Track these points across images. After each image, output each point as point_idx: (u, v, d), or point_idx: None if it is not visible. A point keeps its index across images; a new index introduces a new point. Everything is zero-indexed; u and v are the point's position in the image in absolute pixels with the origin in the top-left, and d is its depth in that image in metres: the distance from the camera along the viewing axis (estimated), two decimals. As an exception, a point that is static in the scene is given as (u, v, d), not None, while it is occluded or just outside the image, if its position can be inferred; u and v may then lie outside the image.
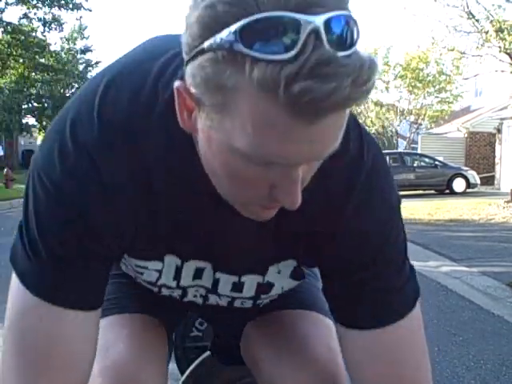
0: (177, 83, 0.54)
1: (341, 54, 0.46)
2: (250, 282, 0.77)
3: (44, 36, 19.39)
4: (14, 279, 0.68)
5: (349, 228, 0.70)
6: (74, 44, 32.46)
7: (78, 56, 33.10)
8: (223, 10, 0.47)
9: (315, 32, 0.45)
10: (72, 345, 0.66)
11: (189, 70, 0.51)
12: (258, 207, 0.60)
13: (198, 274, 0.76)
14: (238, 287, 0.78)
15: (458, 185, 15.24)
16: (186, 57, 0.52)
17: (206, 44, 0.48)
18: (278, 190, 0.55)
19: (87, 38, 34.44)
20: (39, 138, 44.22)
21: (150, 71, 0.62)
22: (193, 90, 0.52)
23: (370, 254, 0.72)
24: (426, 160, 16.33)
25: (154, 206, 0.65)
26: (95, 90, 0.62)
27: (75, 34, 31.53)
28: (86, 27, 31.97)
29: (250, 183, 0.56)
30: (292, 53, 0.45)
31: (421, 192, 15.26)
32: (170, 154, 0.63)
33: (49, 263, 0.64)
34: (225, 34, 0.46)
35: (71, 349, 0.66)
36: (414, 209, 10.71)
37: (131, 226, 0.66)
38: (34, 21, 18.70)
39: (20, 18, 18.31)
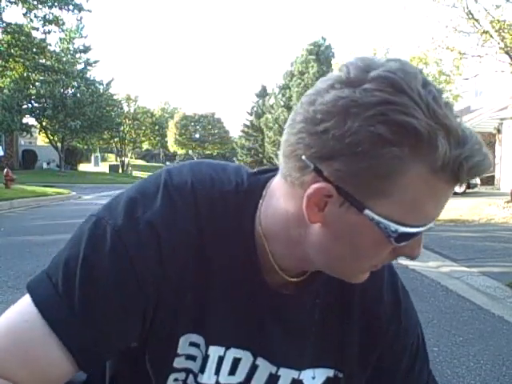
0: (315, 181, 0.61)
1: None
2: (286, 376, 0.77)
3: (44, 34, 19.40)
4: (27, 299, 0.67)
5: (404, 322, 0.83)
6: (73, 44, 32.42)
7: (78, 55, 33.06)
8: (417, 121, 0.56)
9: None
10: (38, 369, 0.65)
11: (338, 169, 0.59)
12: (367, 271, 0.69)
13: (234, 367, 0.75)
14: (271, 381, 0.76)
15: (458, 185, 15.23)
16: (320, 158, 0.59)
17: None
18: (407, 246, 0.64)
19: (85, 37, 34.40)
20: (39, 138, 44.26)
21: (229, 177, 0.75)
22: (340, 185, 0.59)
23: (421, 347, 0.87)
24: (426, 160, 16.30)
25: (205, 274, 0.70)
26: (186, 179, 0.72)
27: (72, 34, 31.46)
28: (83, 26, 31.91)
29: (384, 253, 0.65)
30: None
31: (421, 192, 15.25)
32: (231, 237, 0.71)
33: (75, 307, 0.65)
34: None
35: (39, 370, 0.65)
36: (413, 209, 10.68)
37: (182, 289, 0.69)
38: (34, 20, 18.70)
39: (23, 15, 18.28)
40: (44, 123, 32.88)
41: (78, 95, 32.24)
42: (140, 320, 0.68)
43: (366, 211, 0.60)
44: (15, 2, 17.62)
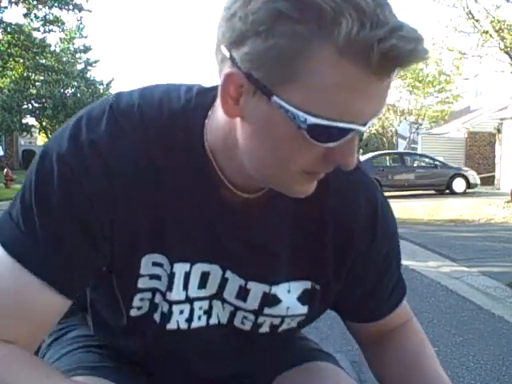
0: (228, 69, 0.59)
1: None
2: (256, 290, 0.76)
3: (44, 34, 19.42)
4: None
5: (381, 237, 0.80)
6: (73, 44, 32.44)
7: (78, 55, 33.07)
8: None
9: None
10: (31, 317, 0.66)
11: (247, 53, 0.56)
12: (304, 181, 0.64)
13: (203, 280, 0.75)
14: (243, 293, 0.76)
15: (458, 185, 15.25)
16: (233, 44, 0.57)
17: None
18: (337, 152, 0.60)
19: (86, 37, 34.40)
20: (39, 138, 44.25)
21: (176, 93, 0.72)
22: (250, 72, 0.57)
23: (394, 258, 0.85)
24: (426, 160, 16.34)
25: (157, 193, 0.68)
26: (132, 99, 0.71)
27: (73, 34, 31.47)
28: (83, 27, 31.92)
29: (307, 154, 0.60)
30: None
31: (421, 192, 15.26)
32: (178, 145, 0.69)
33: (42, 239, 0.65)
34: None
35: (29, 318, 0.66)
36: (414, 209, 10.72)
37: (136, 211, 0.69)
38: (34, 21, 18.71)
39: (23, 16, 18.29)
40: (44, 123, 32.86)
41: (78, 95, 32.21)
42: (101, 238, 0.68)
43: (274, 98, 0.57)
44: (15, 2, 17.62)
